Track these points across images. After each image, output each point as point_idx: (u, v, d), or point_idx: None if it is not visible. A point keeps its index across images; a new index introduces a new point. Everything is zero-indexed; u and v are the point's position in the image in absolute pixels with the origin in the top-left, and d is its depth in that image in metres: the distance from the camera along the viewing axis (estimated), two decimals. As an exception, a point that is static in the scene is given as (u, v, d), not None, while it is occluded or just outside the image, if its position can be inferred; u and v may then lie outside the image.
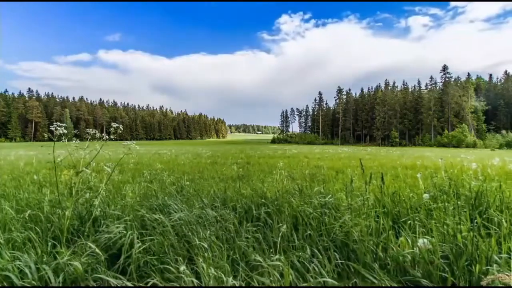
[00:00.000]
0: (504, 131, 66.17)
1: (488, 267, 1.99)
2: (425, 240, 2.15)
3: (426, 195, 2.84)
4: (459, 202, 2.75)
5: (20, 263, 2.36)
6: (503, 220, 2.43)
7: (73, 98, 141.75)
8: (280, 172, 4.95)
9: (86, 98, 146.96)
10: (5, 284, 2.24)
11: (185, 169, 7.13)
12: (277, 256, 2.08)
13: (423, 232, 2.33)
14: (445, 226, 2.31)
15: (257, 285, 1.96)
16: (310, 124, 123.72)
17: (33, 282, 2.25)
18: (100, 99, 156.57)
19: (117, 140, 3.74)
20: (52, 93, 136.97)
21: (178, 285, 2.20)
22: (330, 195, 3.09)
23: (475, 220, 2.45)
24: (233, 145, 55.64)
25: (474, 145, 64.52)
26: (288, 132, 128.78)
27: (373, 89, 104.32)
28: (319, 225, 2.49)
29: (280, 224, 2.56)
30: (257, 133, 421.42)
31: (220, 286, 2.06)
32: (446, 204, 2.67)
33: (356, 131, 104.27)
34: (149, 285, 2.22)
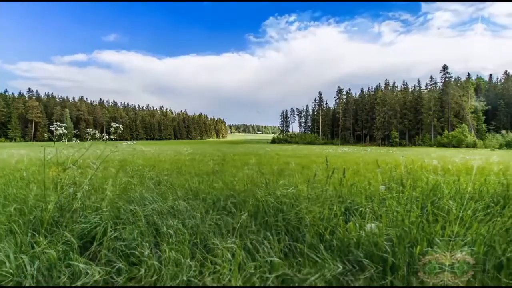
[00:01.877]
0: (504, 131, 66.09)
1: (429, 248, 2.12)
2: (373, 225, 2.28)
3: (382, 187, 2.97)
4: (414, 193, 2.88)
5: (0, 253, 2.49)
6: (453, 208, 2.56)
7: (73, 98, 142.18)
8: (251, 168, 5.09)
9: (86, 98, 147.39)
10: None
11: (165, 166, 7.32)
12: (233, 239, 2.22)
13: (372, 218, 2.47)
14: (395, 213, 2.44)
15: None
16: (310, 124, 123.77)
17: (11, 270, 2.38)
18: (100, 99, 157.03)
19: (117, 140, 3.85)
20: (52, 93, 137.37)
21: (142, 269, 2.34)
22: (292, 187, 3.23)
23: (426, 208, 2.58)
24: (227, 145, 55.70)
25: (474, 145, 64.44)
26: (288, 132, 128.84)
27: (373, 89, 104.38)
28: (277, 212, 2.63)
29: (243, 213, 2.70)
30: (257, 133, 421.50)
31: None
32: (401, 194, 2.80)
33: (356, 131, 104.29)
34: (114, 269, 2.37)
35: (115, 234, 2.80)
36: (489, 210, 2.70)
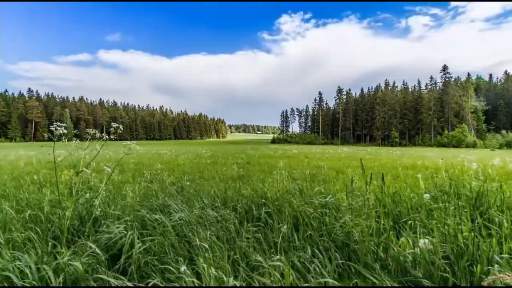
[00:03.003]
0: (504, 131, 66.13)
1: (489, 267, 1.99)
2: (426, 241, 2.14)
3: (427, 195, 2.84)
4: (459, 202, 2.75)
5: (20, 263, 2.35)
6: (504, 221, 2.43)
7: (73, 98, 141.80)
8: (280, 172, 4.94)
9: (86, 98, 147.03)
10: (6, 284, 2.24)
11: (185, 169, 7.13)
12: (277, 257, 2.08)
13: (424, 233, 2.33)
14: (445, 227, 2.31)
15: (258, 285, 1.96)
16: (310, 124, 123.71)
17: (34, 282, 2.25)
18: (100, 99, 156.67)
19: (117, 140, 3.73)
20: (52, 93, 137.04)
21: (178, 285, 2.20)
22: (330, 195, 3.09)
23: (476, 221, 2.45)
24: (234, 145, 55.56)
25: (474, 145, 64.49)
26: (288, 132, 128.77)
27: (373, 89, 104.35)
28: (320, 225, 2.49)
29: (281, 224, 2.56)
30: (257, 133, 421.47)
31: (220, 286, 2.06)
32: (447, 204, 2.66)
33: (356, 131, 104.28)
34: (149, 285, 2.22)
35: (144, 247, 2.65)
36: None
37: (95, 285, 2.31)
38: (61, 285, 2.23)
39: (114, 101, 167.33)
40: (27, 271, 2.28)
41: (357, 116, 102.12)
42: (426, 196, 2.82)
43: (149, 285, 2.22)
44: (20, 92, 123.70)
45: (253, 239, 2.42)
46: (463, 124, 71.67)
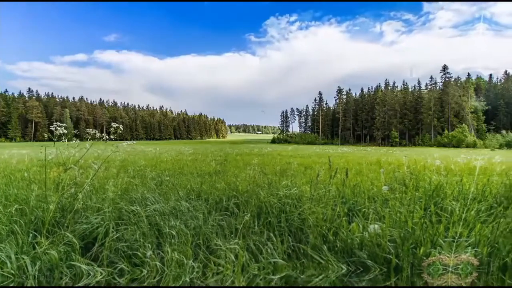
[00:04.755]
0: (504, 131, 66.02)
1: (432, 249, 2.11)
2: (376, 226, 2.27)
3: (385, 187, 2.96)
4: (416, 194, 2.87)
5: (1, 253, 2.48)
6: (456, 209, 2.55)
7: (73, 98, 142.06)
8: (253, 168, 5.08)
9: (86, 98, 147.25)
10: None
11: (167, 166, 7.30)
12: (236, 240, 2.21)
13: (375, 219, 2.46)
14: (398, 214, 2.44)
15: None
16: (310, 124, 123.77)
17: (12, 271, 2.37)
18: (100, 99, 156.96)
19: (117, 140, 3.84)
20: (52, 93, 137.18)
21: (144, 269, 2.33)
22: (295, 188, 3.22)
23: (429, 209, 2.57)
24: (216, 145, 55.77)
25: (474, 145, 64.42)
26: (288, 132, 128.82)
27: (373, 89, 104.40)
28: (280, 213, 2.62)
29: (245, 213, 2.69)
30: (257, 133, 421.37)
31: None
32: (404, 195, 2.79)
33: (356, 131, 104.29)
34: (116, 270, 2.36)
35: (117, 235, 2.78)
36: (492, 211, 2.69)
37: (68, 272, 2.44)
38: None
39: (114, 101, 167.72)
40: (7, 261, 2.40)
41: (357, 116, 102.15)
42: (385, 188, 2.94)
43: (116, 270, 2.36)
44: (20, 92, 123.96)
45: (217, 226, 2.55)
46: (463, 124, 71.65)
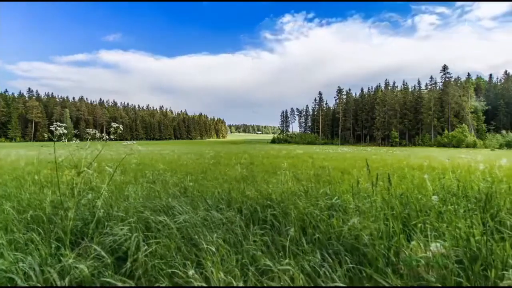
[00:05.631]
0: (504, 131, 66.05)
1: (504, 272, 1.95)
2: (438, 244, 2.10)
3: (435, 197, 2.79)
4: (469, 205, 2.71)
5: (24, 265, 2.32)
6: (516, 223, 2.39)
7: (73, 98, 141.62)
8: (284, 173, 4.87)
9: (86, 98, 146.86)
10: (9, 285, 2.21)
11: (188, 170, 7.05)
12: (287, 261, 2.04)
13: (435, 236, 2.29)
14: (457, 230, 2.27)
15: (266, 286, 1.93)
16: (310, 124, 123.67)
17: (38, 284, 2.22)
18: (100, 99, 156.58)
19: (117, 140, 3.70)
20: (52, 93, 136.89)
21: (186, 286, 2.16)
22: (336, 197, 3.05)
23: (487, 224, 2.41)
24: (236, 145, 55.40)
25: (474, 145, 64.48)
26: (288, 132, 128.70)
27: (373, 89, 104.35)
28: (328, 228, 2.45)
29: (288, 227, 2.52)
30: (257, 133, 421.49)
31: (226, 286, 2.02)
32: (456, 206, 2.62)
33: (356, 131, 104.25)
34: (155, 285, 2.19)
35: (150, 250, 2.61)
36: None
37: (101, 288, 2.28)
38: (66, 285, 2.20)
39: (114, 101, 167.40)
40: (31, 273, 2.25)
41: (357, 116, 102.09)
42: (434, 198, 2.78)
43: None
44: (20, 92, 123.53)
45: (261, 242, 2.38)
46: (463, 124, 71.66)
